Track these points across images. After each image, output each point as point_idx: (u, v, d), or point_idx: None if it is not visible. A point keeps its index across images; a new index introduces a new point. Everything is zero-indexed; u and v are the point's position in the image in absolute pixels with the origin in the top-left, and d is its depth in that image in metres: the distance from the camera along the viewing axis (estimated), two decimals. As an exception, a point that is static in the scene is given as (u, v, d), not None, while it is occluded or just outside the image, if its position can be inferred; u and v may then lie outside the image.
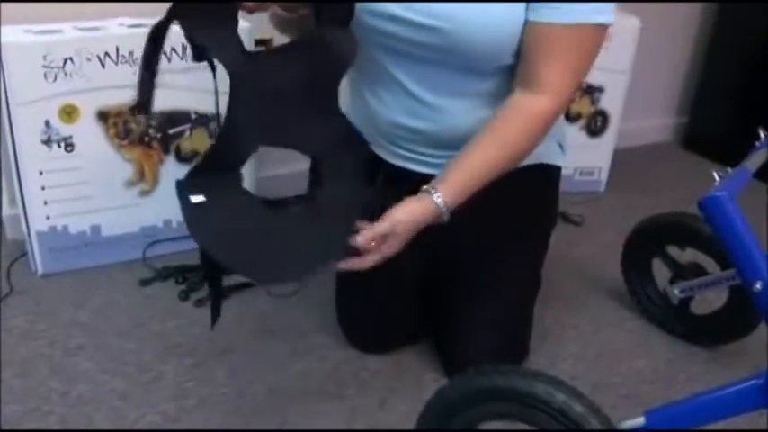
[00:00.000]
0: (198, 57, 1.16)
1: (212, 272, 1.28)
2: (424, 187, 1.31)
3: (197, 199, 1.16)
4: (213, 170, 1.20)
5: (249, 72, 1.17)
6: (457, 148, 1.47)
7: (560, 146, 1.59)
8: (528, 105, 1.33)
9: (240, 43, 1.17)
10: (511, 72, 1.37)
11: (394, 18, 1.33)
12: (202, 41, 1.14)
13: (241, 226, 1.20)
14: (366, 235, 1.25)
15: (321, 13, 1.24)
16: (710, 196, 1.13)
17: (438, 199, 1.29)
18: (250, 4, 1.23)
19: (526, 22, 1.30)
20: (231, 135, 1.19)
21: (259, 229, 1.22)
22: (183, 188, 1.18)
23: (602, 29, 1.30)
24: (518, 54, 1.34)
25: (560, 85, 1.32)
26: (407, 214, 1.28)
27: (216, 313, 1.32)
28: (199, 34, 1.14)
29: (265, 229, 1.23)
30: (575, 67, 1.33)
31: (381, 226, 1.26)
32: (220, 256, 1.17)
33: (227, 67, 1.14)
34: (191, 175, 1.19)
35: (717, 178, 1.26)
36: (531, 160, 1.50)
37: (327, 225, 1.27)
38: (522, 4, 1.29)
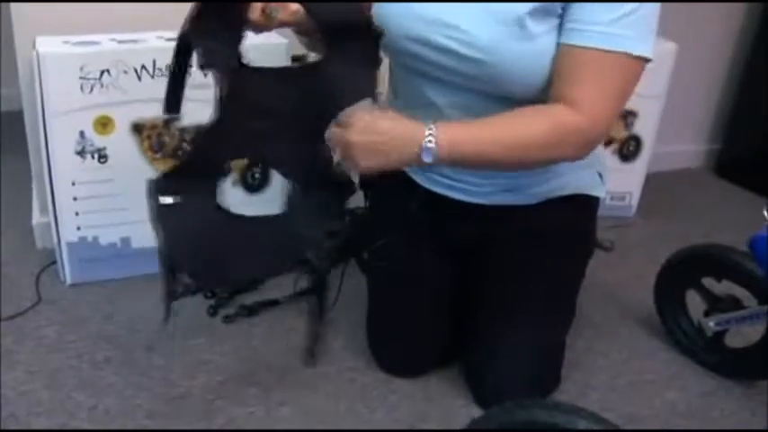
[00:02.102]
0: (201, 66, 1.25)
1: (169, 270, 1.33)
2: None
3: (166, 200, 1.24)
4: (189, 175, 1.28)
5: (240, 86, 1.24)
6: (494, 176, 1.45)
7: (600, 176, 1.57)
8: (559, 112, 1.27)
9: (238, 58, 1.24)
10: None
11: (437, 47, 1.33)
12: (201, 52, 1.22)
13: (203, 231, 1.29)
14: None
15: (332, 46, 1.27)
16: (762, 236, 1.11)
17: (431, 128, 1.22)
18: (256, 20, 1.25)
19: (559, 45, 1.28)
20: (209, 143, 1.27)
21: (218, 236, 1.31)
22: (155, 188, 1.25)
23: (637, 61, 1.26)
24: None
25: (594, 105, 1.26)
26: (389, 115, 1.25)
27: (167, 313, 1.38)
28: (199, 44, 1.23)
29: (223, 237, 1.32)
30: (609, 93, 1.28)
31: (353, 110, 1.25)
32: (177, 256, 1.28)
33: (218, 78, 1.24)
34: (165, 176, 1.27)
35: (767, 216, 1.23)
36: (570, 190, 1.48)
37: (282, 241, 1.34)
38: (554, 33, 1.28)
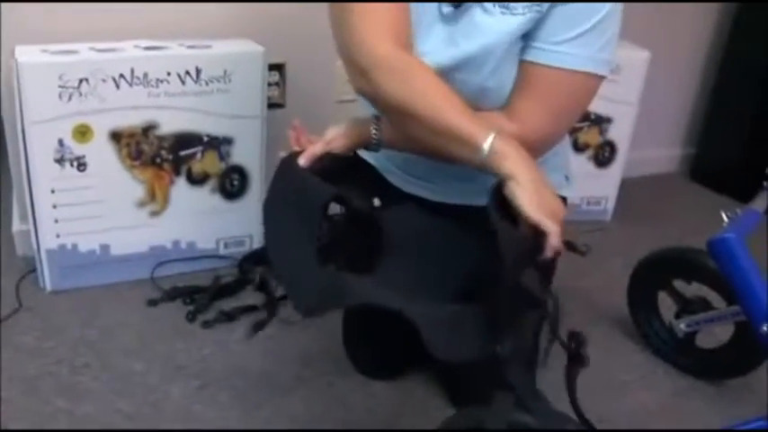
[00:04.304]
0: None
1: None
2: None
3: None
4: None
5: None
6: (468, 178, 1.47)
7: (567, 178, 1.60)
8: (496, 118, 1.28)
9: None
10: None
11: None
12: None
13: None
14: None
15: None
16: (719, 238, 1.14)
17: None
18: None
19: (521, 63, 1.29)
20: None
21: None
22: None
23: (593, 78, 1.26)
24: None
25: (529, 117, 1.27)
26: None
27: None
28: None
29: None
30: (547, 108, 1.29)
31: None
32: None
33: None
34: None
35: (725, 219, 1.26)
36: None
37: None
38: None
